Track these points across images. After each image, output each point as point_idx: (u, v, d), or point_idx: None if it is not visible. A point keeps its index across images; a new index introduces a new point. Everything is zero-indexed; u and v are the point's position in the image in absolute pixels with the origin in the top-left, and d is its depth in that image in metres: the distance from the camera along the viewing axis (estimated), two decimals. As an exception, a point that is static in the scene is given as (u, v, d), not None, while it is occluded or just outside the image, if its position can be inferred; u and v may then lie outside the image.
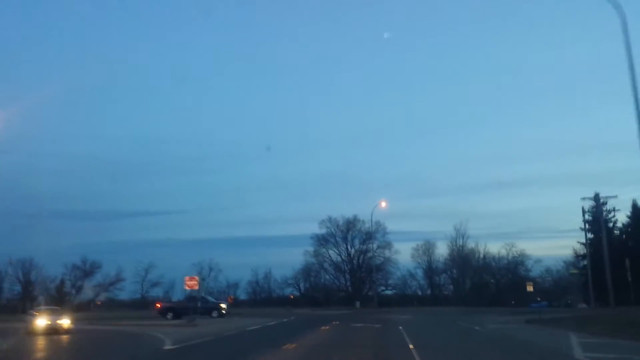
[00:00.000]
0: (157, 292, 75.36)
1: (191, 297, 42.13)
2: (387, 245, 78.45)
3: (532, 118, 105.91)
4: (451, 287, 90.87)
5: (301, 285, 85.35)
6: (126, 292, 74.40)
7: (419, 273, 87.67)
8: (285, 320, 32.48)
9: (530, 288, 50.02)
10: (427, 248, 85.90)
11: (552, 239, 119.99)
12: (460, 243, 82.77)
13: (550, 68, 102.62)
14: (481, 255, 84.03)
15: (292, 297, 78.04)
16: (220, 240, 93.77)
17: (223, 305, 39.65)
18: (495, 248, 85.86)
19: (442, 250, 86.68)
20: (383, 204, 62.10)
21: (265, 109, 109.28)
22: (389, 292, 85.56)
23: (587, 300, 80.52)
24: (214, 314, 39.10)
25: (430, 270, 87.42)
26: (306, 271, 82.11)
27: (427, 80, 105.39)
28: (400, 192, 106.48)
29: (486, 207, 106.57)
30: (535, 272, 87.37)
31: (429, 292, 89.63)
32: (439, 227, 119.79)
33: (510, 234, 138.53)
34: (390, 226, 78.47)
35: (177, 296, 78.92)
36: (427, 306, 74.21)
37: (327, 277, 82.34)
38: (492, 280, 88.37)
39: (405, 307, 68.37)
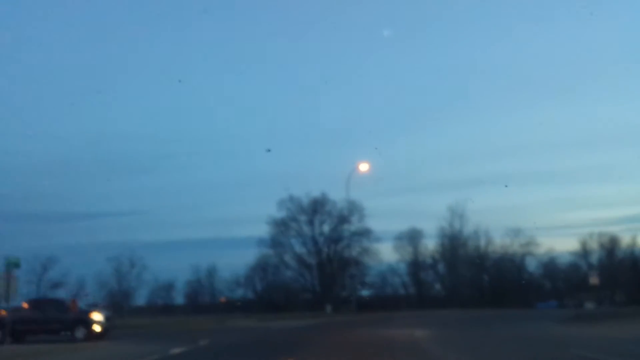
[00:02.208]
0: (60, 295, 56.71)
1: (39, 302, 24.30)
2: (365, 232, 61.37)
3: (530, 112, 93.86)
4: (438, 285, 75.09)
5: (257, 284, 67.69)
6: (20, 295, 55.22)
7: (402, 268, 71.22)
8: (177, 352, 14.92)
9: (595, 281, 34.17)
10: (413, 237, 69.36)
11: (540, 236, 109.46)
12: (457, 227, 66.38)
13: (552, 61, 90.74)
14: (481, 243, 68.06)
15: (223, 300, 59.42)
16: (173, 242, 76.22)
17: (96, 318, 21.83)
18: (496, 236, 70.03)
19: (431, 241, 70.77)
20: (363, 168, 44.63)
21: (255, 105, 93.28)
22: (365, 293, 68.94)
23: (600, 299, 67.39)
24: (79, 332, 21.42)
25: (416, 264, 70.94)
26: (262, 266, 64.48)
27: (423, 74, 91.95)
28: (389, 188, 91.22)
29: (475, 205, 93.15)
30: (538, 266, 73.89)
31: (412, 290, 73.23)
32: (429, 225, 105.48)
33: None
34: (375, 225, 61.78)
35: (89, 300, 61.03)
36: (417, 309, 57.85)
37: (289, 273, 64.79)
38: (486, 276, 73.30)
39: (391, 312, 51.76)
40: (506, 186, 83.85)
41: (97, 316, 21.79)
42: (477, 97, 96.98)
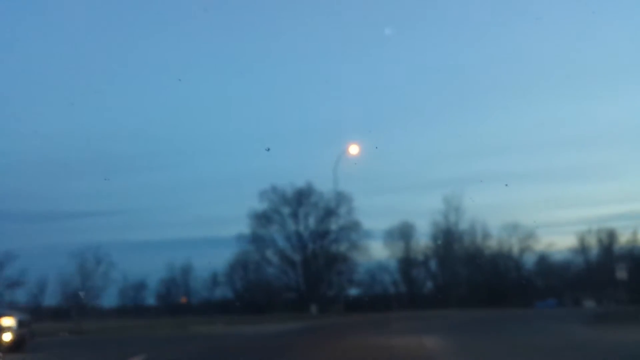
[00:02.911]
0: (19, 296, 51.31)
1: None
2: (354, 225, 56.55)
3: (529, 110, 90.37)
4: (430, 283, 70.52)
5: (237, 283, 62.48)
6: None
7: (392, 265, 66.47)
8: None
9: (622, 275, 29.67)
10: (405, 232, 64.63)
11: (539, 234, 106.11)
12: (453, 220, 61.79)
13: (551, 60, 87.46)
14: (478, 239, 63.57)
15: (184, 300, 53.97)
16: (151, 242, 70.67)
17: (5, 323, 16.71)
18: (494, 232, 65.59)
19: (423, 237, 66.24)
20: (353, 150, 39.51)
21: (253, 105, 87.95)
22: (353, 292, 64.13)
23: (600, 298, 63.66)
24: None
25: (408, 261, 66.23)
26: (242, 264, 59.38)
27: (421, 72, 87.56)
28: (383, 186, 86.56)
29: (472, 202, 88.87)
30: (535, 263, 69.97)
31: (402, 289, 68.45)
32: (423, 222, 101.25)
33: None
34: (366, 224, 57.01)
35: (49, 301, 55.50)
36: (409, 309, 53.10)
37: (271, 271, 59.74)
38: (482, 273, 68.90)
39: (382, 312, 46.99)
40: (506, 185, 79.49)
41: (6, 321, 16.58)
42: (476, 95, 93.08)
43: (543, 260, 68.82)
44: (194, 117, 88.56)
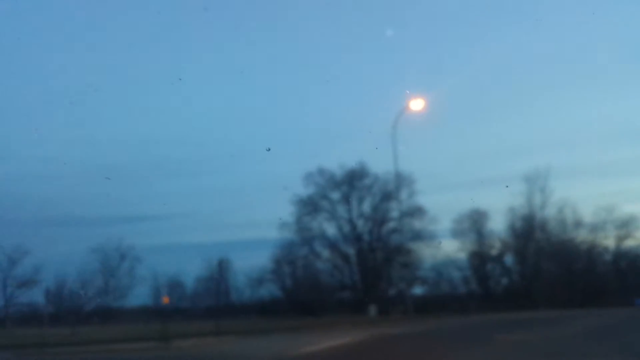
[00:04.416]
0: (34, 296, 45.04)
1: None
2: (417, 211, 47.40)
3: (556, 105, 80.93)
4: (506, 280, 60.54)
5: (286, 281, 54.56)
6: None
7: (461, 260, 56.86)
8: None
9: None
10: (476, 219, 54.89)
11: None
12: (538, 203, 51.63)
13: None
14: (569, 225, 53.12)
15: (167, 300, 44.91)
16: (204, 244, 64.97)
17: None
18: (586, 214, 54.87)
19: (497, 226, 56.35)
20: (415, 105, 30.41)
21: (263, 106, 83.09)
22: (418, 290, 55.10)
23: None
24: None
25: (481, 255, 56.55)
26: (289, 259, 51.36)
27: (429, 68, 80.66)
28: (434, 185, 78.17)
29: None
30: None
31: (475, 287, 58.78)
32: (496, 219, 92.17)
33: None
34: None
35: (64, 303, 49.28)
36: (487, 311, 43.66)
37: (322, 266, 51.39)
38: (574, 267, 58.55)
39: (456, 315, 38.02)
40: (507, 186, 67.58)
41: None
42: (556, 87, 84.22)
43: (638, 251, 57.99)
44: (211, 122, 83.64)
